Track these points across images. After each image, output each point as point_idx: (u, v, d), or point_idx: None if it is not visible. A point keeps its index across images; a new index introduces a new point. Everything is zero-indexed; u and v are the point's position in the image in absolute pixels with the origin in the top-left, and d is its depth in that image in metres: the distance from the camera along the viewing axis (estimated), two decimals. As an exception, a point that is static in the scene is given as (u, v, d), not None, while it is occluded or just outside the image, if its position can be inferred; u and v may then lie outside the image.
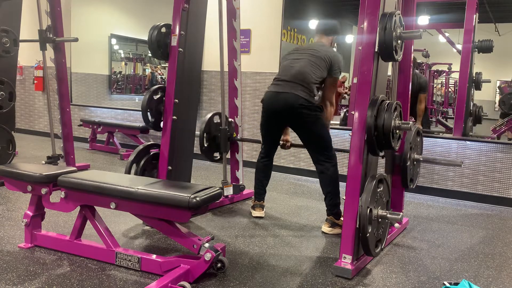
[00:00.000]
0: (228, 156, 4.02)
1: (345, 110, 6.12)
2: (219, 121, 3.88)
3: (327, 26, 3.45)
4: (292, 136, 3.55)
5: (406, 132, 3.12)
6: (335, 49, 3.44)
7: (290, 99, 3.12)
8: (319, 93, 3.26)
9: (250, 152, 5.43)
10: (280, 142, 3.59)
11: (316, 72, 3.15)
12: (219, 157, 3.92)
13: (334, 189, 3.19)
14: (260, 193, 3.58)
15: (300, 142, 3.40)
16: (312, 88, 3.14)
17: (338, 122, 5.48)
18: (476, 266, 2.77)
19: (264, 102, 3.32)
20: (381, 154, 2.64)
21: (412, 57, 3.40)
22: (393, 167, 3.17)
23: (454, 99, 5.95)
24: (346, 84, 6.66)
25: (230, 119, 3.97)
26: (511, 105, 5.62)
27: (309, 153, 3.32)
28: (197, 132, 3.74)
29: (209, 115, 3.85)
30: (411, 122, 2.59)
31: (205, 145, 3.79)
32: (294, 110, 3.13)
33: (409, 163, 3.10)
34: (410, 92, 3.37)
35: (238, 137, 4.08)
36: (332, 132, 3.31)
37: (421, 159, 3.26)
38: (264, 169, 3.54)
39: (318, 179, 3.29)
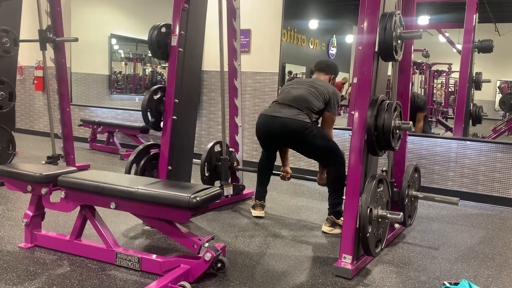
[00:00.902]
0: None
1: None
2: (219, 149, 3.92)
3: (326, 65, 3.51)
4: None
5: (404, 171, 3.15)
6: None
7: (288, 123, 3.16)
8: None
9: (250, 152, 5.43)
10: (279, 173, 3.66)
11: (314, 101, 3.20)
12: (219, 185, 3.91)
13: (340, 187, 3.21)
14: (261, 192, 3.59)
15: (301, 174, 3.44)
16: (309, 113, 3.18)
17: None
18: (476, 266, 2.77)
19: (258, 126, 3.37)
20: (381, 154, 2.64)
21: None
22: (391, 203, 3.14)
23: (454, 99, 5.95)
24: (346, 85, 6.67)
25: (231, 149, 4.00)
26: (511, 105, 5.62)
27: (318, 162, 3.35)
28: (198, 160, 3.79)
29: (210, 145, 3.89)
30: (411, 122, 2.59)
31: (206, 174, 3.83)
32: (292, 134, 3.18)
33: (407, 200, 3.10)
34: (408, 112, 3.39)
35: (239, 167, 4.10)
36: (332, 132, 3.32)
37: (420, 196, 3.26)
38: (265, 168, 3.56)
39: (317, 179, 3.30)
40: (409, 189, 3.12)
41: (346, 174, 2.60)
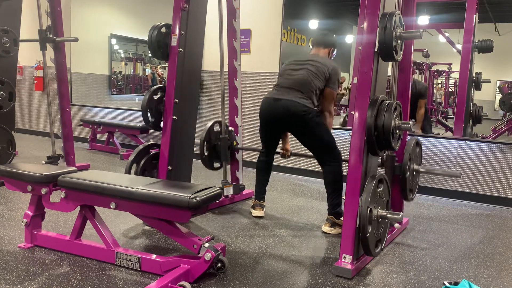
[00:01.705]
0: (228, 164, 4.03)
1: (344, 115, 6.13)
2: (219, 129, 3.88)
3: (324, 38, 3.46)
4: (291, 141, 3.54)
5: (406, 143, 3.13)
6: (334, 56, 3.45)
7: (290, 106, 3.14)
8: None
9: (250, 152, 5.43)
10: (280, 151, 3.61)
11: (315, 82, 3.18)
12: (219, 165, 3.91)
13: (338, 188, 3.20)
14: (260, 192, 3.58)
15: (300, 151, 3.41)
16: (311, 96, 3.16)
17: (338, 125, 5.48)
18: (476, 266, 2.77)
19: (261, 109, 3.34)
20: (381, 155, 2.64)
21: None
22: (392, 177, 3.16)
23: (454, 99, 5.95)
24: (346, 85, 6.67)
25: (230, 128, 3.97)
26: (511, 105, 5.62)
27: (314, 156, 3.33)
28: (197, 141, 3.74)
29: (209, 124, 3.85)
30: (411, 122, 2.59)
31: (205, 153, 3.79)
32: (294, 117, 3.15)
33: (408, 174, 3.10)
34: (410, 95, 3.38)
35: (238, 142, 4.08)
36: (332, 132, 3.32)
37: (421, 170, 3.25)
38: (264, 168, 3.56)
39: (318, 179, 3.30)
40: (410, 163, 3.11)
41: (344, 173, 2.60)
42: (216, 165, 3.92)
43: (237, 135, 4.13)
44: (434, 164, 4.59)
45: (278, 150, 3.60)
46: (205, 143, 3.78)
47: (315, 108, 3.18)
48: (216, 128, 3.89)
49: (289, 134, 3.62)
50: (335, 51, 3.45)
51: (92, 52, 7.70)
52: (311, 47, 3.50)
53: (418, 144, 3.30)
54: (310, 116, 3.12)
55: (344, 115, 6.10)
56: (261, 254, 2.78)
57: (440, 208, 4.17)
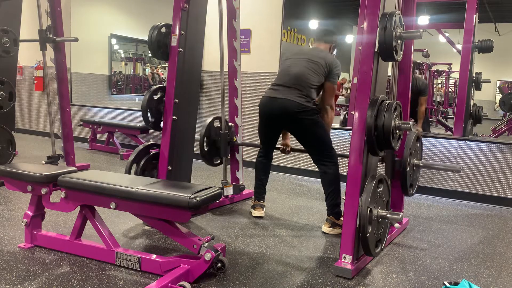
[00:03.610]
0: (228, 156, 4.02)
1: (344, 112, 6.14)
2: (219, 125, 3.88)
3: (325, 32, 3.45)
4: (292, 140, 3.55)
5: (406, 138, 3.13)
6: (334, 52, 3.44)
7: (287, 104, 3.13)
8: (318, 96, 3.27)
9: (250, 152, 5.43)
10: (280, 146, 3.60)
11: (314, 76, 3.17)
12: (219, 161, 3.91)
13: (335, 189, 3.20)
14: (260, 192, 3.58)
15: (300, 146, 3.40)
16: (309, 92, 3.16)
17: (338, 124, 5.49)
18: (476, 266, 2.77)
19: (260, 107, 3.34)
20: (381, 155, 2.64)
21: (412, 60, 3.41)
22: (393, 172, 3.16)
23: (454, 99, 5.96)
24: (346, 85, 6.68)
25: (230, 123, 3.97)
26: (511, 105, 5.63)
27: (310, 155, 3.33)
28: (197, 136, 3.73)
29: (209, 119, 3.84)
30: (411, 122, 2.59)
31: (205, 149, 3.79)
32: (291, 116, 3.15)
33: (408, 168, 3.10)
34: (410, 95, 3.37)
35: (238, 141, 4.08)
36: (332, 132, 3.32)
37: (421, 164, 3.25)
38: (263, 167, 3.55)
39: (318, 179, 3.30)
40: (411, 157, 3.11)
41: (344, 173, 2.60)
42: (216, 160, 3.91)
43: (237, 135, 4.13)
44: (434, 170, 4.58)
45: (278, 145, 3.59)
46: (205, 138, 3.77)
47: (313, 106, 3.17)
48: (216, 124, 3.88)
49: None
50: (336, 49, 3.44)
51: (92, 52, 7.70)
52: (311, 44, 3.49)
53: (418, 139, 3.29)
54: (308, 115, 3.12)
55: (344, 113, 6.11)
56: (261, 254, 2.78)
57: (440, 208, 4.17)
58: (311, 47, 3.44)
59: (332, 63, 3.21)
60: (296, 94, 3.13)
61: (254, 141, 5.42)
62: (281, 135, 3.59)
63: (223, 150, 3.81)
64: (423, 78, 6.19)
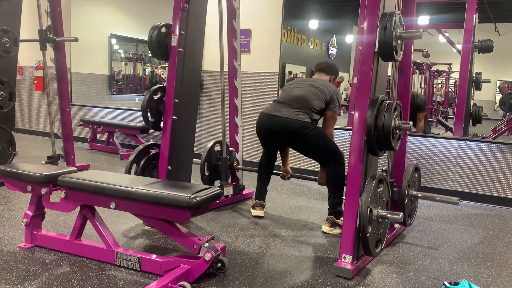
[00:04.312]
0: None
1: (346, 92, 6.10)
2: (219, 148, 3.91)
3: (327, 66, 3.53)
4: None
5: (404, 170, 3.15)
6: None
7: (288, 122, 3.17)
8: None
9: (250, 152, 5.43)
10: (279, 172, 3.68)
11: (315, 100, 3.23)
12: (219, 185, 3.90)
13: (339, 187, 3.21)
14: (261, 192, 3.59)
15: (301, 174, 3.46)
16: (309, 112, 3.20)
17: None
18: (476, 266, 2.77)
19: (258, 125, 3.39)
20: (381, 154, 2.64)
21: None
22: (392, 202, 3.15)
23: (454, 99, 5.95)
24: (344, 85, 6.68)
25: (231, 148, 4.00)
26: (511, 105, 5.62)
27: (317, 162, 3.37)
28: (198, 160, 3.79)
29: (210, 144, 3.88)
30: (411, 122, 2.59)
31: (206, 174, 3.82)
32: (292, 134, 3.19)
33: (407, 200, 3.10)
34: (408, 112, 3.40)
35: (239, 166, 4.10)
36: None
37: (419, 195, 3.26)
38: (266, 167, 3.56)
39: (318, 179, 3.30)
40: (409, 189, 3.13)
41: (346, 174, 2.60)
42: (217, 184, 3.94)
43: (237, 135, 4.14)
44: (434, 164, 4.59)
45: (277, 171, 3.65)
46: (206, 163, 3.82)
47: (313, 121, 3.21)
48: (217, 147, 3.93)
49: (289, 151, 3.68)
50: (335, 81, 3.54)
51: (92, 52, 7.70)
52: (313, 73, 3.59)
53: (416, 169, 3.32)
54: (309, 131, 3.16)
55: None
56: (261, 254, 2.78)
57: (440, 208, 4.17)
58: (313, 77, 3.56)
59: (335, 92, 3.30)
60: (296, 112, 3.18)
61: (254, 141, 5.42)
62: (280, 157, 3.65)
63: (224, 175, 3.84)
64: (423, 78, 6.19)
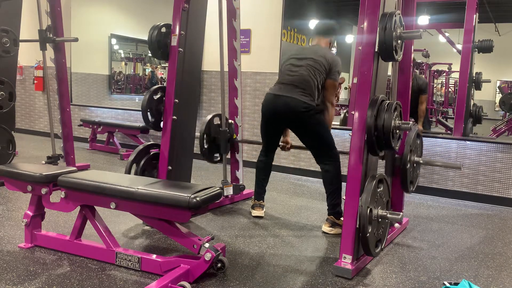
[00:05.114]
0: (228, 156, 4.02)
1: (345, 111, 6.13)
2: (219, 122, 3.88)
3: (324, 27, 3.47)
4: (292, 136, 3.54)
5: (406, 134, 3.13)
6: (334, 50, 3.45)
7: (290, 102, 3.14)
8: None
9: (250, 152, 5.43)
10: (280, 143, 3.60)
11: (316, 77, 3.18)
12: (219, 158, 3.91)
13: (336, 188, 3.20)
14: (260, 192, 3.58)
15: (300, 143, 3.41)
16: (312, 92, 3.17)
17: (338, 123, 5.49)
18: (476, 266, 2.77)
19: (263, 104, 3.34)
20: (381, 154, 2.64)
21: (412, 57, 3.41)
22: (393, 169, 3.17)
23: (454, 99, 5.95)
24: (346, 85, 6.68)
25: (230, 121, 3.97)
26: (511, 105, 5.62)
27: (312, 154, 3.33)
28: (197, 134, 3.73)
29: (209, 117, 3.84)
30: (411, 122, 2.59)
31: (205, 146, 3.78)
32: (294, 114, 3.15)
33: (409, 165, 3.10)
34: (410, 94, 3.38)
35: (238, 138, 4.07)
36: (332, 132, 3.32)
37: (421, 161, 3.25)
38: (264, 168, 3.55)
39: (318, 179, 3.30)
40: (411, 154, 3.11)
41: (342, 173, 2.60)
42: (216, 158, 3.91)
43: (237, 135, 4.13)
44: (434, 167, 4.58)
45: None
46: (205, 136, 3.76)
47: (316, 105, 3.18)
48: (216, 121, 3.87)
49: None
50: (335, 43, 3.43)
51: (92, 52, 7.70)
52: (312, 36, 3.47)
53: (418, 136, 3.29)
54: (311, 114, 3.12)
55: (345, 111, 6.11)
56: (261, 254, 2.78)
57: (440, 208, 4.17)
58: (311, 44, 3.44)
59: (333, 60, 3.22)
60: (299, 93, 3.14)
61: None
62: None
63: (223, 147, 3.80)
64: (423, 77, 6.19)
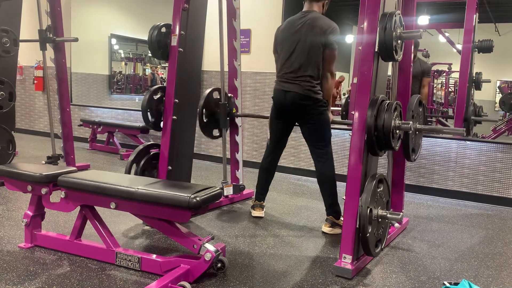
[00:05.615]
0: (228, 137, 3.95)
1: (346, 95, 6.05)
2: (218, 97, 3.82)
3: None
4: (292, 136, 3.54)
5: (409, 100, 3.05)
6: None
7: (296, 98, 3.14)
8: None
9: (250, 152, 5.43)
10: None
11: (316, 56, 3.12)
12: (218, 134, 3.85)
13: (331, 187, 3.21)
14: (261, 193, 3.57)
15: (301, 174, 3.38)
16: (315, 72, 3.13)
17: (340, 118, 5.42)
18: (476, 266, 2.77)
19: (274, 99, 3.33)
20: (381, 155, 2.64)
21: (414, 42, 3.33)
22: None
23: (454, 99, 5.96)
24: (345, 91, 6.68)
25: (229, 94, 3.90)
26: (511, 105, 5.62)
27: (309, 147, 3.31)
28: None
29: (208, 91, 3.74)
30: (411, 122, 2.59)
31: (204, 120, 3.70)
32: (300, 108, 3.16)
33: (411, 132, 3.02)
34: (410, 79, 3.34)
35: (238, 113, 3.99)
36: (332, 132, 3.32)
37: (424, 127, 3.17)
38: (268, 168, 3.52)
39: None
40: (413, 120, 3.07)
41: (344, 173, 2.60)
42: (215, 133, 3.85)
43: (237, 136, 4.13)
44: (434, 164, 4.59)
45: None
46: (204, 109, 3.69)
47: (320, 97, 3.15)
48: (215, 95, 3.81)
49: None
50: (328, 5, 3.33)
51: (92, 52, 7.70)
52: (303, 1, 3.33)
53: (421, 103, 3.20)
54: (314, 106, 3.12)
55: (346, 95, 6.07)
56: (261, 254, 2.78)
57: (440, 208, 4.17)
58: (304, 9, 3.29)
59: (328, 29, 3.10)
60: (304, 84, 3.12)
61: (254, 141, 5.43)
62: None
63: (223, 121, 3.75)
64: (427, 61, 6.20)
